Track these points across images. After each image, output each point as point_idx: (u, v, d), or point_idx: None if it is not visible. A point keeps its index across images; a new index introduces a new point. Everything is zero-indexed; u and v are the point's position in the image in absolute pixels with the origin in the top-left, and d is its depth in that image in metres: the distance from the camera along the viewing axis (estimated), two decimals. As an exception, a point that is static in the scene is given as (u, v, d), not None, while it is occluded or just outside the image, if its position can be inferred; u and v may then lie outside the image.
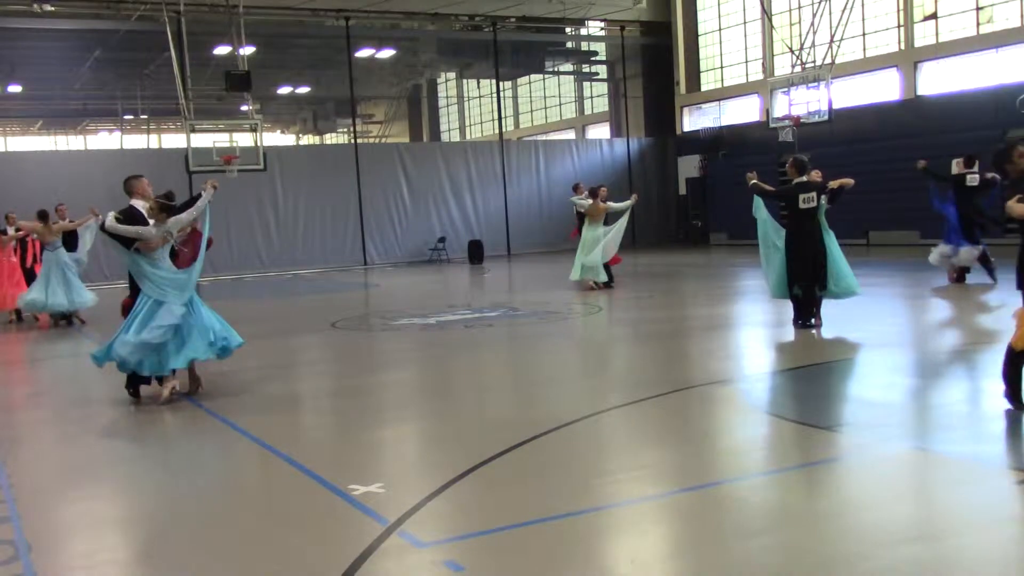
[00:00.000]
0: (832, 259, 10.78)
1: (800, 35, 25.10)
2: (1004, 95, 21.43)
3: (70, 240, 15.51)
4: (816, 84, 22.88)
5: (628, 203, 17.04)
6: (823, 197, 10.65)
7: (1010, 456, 5.66)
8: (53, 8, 24.59)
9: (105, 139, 46.43)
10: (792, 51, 24.48)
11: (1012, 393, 6.26)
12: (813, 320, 10.70)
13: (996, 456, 5.52)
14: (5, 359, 12.58)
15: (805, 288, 10.65)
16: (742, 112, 29.65)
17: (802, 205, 10.46)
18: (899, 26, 24.82)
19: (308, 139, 48.54)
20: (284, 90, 39.00)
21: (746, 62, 29.81)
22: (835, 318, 10.88)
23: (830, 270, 10.71)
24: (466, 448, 6.15)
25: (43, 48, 30.00)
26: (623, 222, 16.79)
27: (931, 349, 9.64)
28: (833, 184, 10.82)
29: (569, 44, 35.48)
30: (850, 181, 10.98)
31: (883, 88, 25.18)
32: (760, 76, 28.65)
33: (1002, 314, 11.23)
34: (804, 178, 10.61)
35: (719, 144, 29.84)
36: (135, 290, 8.41)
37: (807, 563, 4.03)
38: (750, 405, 7.35)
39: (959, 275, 14.02)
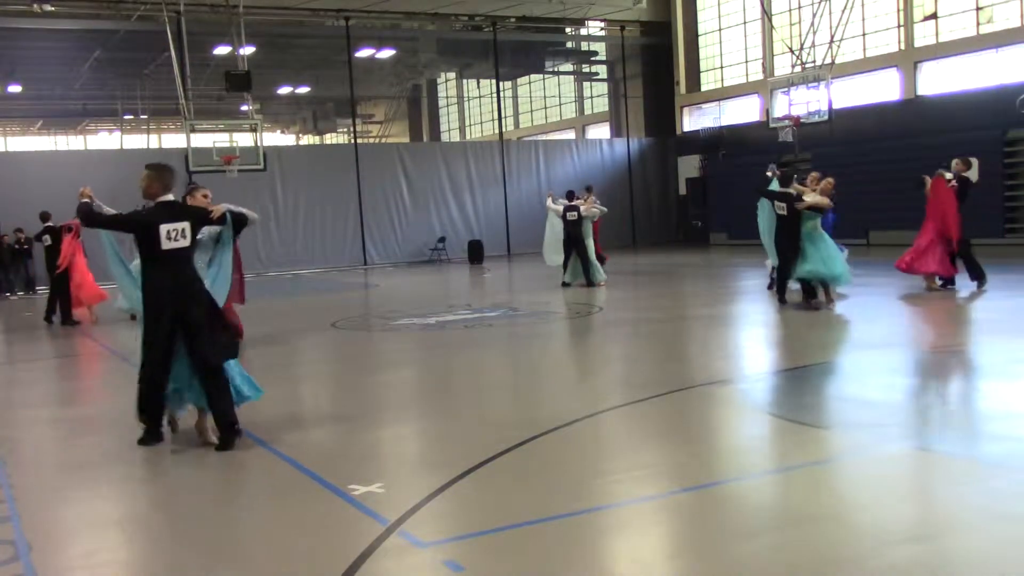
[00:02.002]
0: (823, 246, 12.08)
1: (800, 35, 25.11)
2: (1004, 95, 21.43)
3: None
4: (816, 84, 22.90)
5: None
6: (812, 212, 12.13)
7: (1010, 456, 5.65)
8: (53, 8, 24.59)
9: (105, 139, 46.43)
10: (792, 51, 24.49)
11: None
12: (813, 300, 12.16)
13: (996, 456, 5.52)
14: (8, 359, 12.58)
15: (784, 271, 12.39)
16: (742, 112, 29.65)
17: (776, 211, 12.31)
18: (899, 26, 24.83)
19: (308, 139, 48.55)
20: (284, 90, 39.01)
21: (746, 62, 29.82)
22: (835, 318, 10.89)
23: (818, 254, 12.01)
24: (466, 448, 6.15)
25: (43, 48, 29.99)
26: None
27: (930, 349, 9.63)
28: (802, 205, 12.03)
29: (569, 44, 35.49)
30: (823, 201, 12.06)
31: (883, 88, 25.18)
32: (760, 76, 28.66)
33: (999, 315, 11.23)
34: (790, 189, 12.31)
35: (719, 144, 29.84)
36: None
37: (807, 563, 4.03)
38: (750, 405, 7.34)
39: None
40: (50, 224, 16.26)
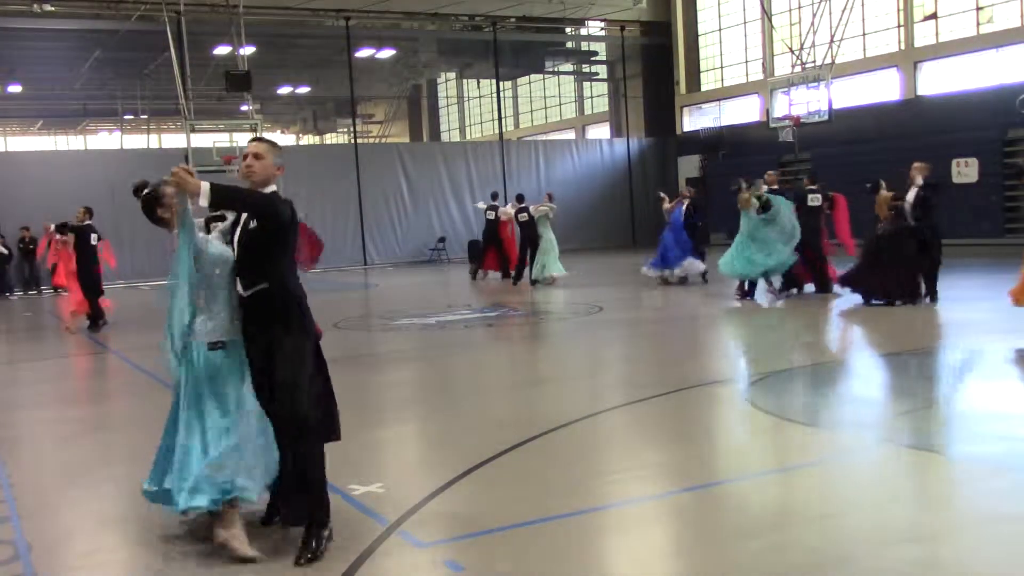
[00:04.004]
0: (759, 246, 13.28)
1: (800, 35, 25.11)
2: (1004, 95, 21.43)
3: None
4: (816, 84, 22.89)
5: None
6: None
7: (1010, 456, 5.65)
8: (53, 8, 24.60)
9: (105, 139, 46.40)
10: (792, 51, 24.49)
11: None
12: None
13: (996, 456, 5.52)
14: (13, 358, 12.58)
15: None
16: (742, 112, 29.65)
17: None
18: (899, 26, 24.82)
19: (308, 139, 48.54)
20: (284, 90, 39.00)
21: (746, 62, 29.82)
22: (835, 317, 10.89)
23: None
24: (466, 448, 6.14)
25: (43, 48, 30.00)
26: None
27: (930, 349, 9.63)
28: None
29: (569, 44, 35.49)
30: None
31: (883, 88, 25.18)
32: (760, 76, 28.65)
33: (991, 316, 11.22)
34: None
35: (719, 144, 29.83)
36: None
37: (807, 563, 4.03)
38: (750, 405, 7.34)
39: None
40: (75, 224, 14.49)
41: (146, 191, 4.60)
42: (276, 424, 4.42)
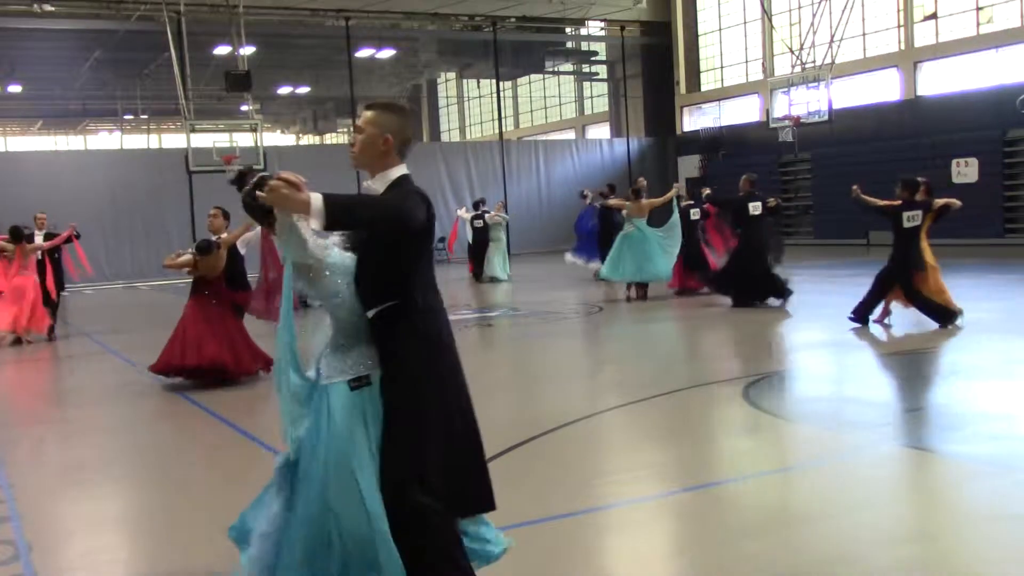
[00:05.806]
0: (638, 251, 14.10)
1: (800, 35, 25.11)
2: (1004, 95, 21.42)
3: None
4: (816, 84, 22.90)
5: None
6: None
7: (1010, 456, 5.65)
8: (53, 8, 24.58)
9: (105, 139, 46.41)
10: (792, 51, 24.49)
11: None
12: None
13: (996, 456, 5.52)
14: (9, 359, 12.57)
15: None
16: (742, 112, 29.64)
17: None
18: (899, 26, 24.82)
19: (308, 139, 48.53)
20: (284, 90, 38.99)
21: (746, 62, 29.81)
22: (834, 318, 10.88)
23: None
24: (466, 448, 6.14)
25: (43, 48, 29.99)
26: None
27: (930, 349, 9.63)
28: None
29: (569, 44, 35.48)
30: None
31: (883, 88, 25.17)
32: (760, 76, 28.65)
33: (989, 316, 11.22)
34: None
35: (719, 144, 29.83)
36: None
37: (807, 563, 4.03)
38: (750, 405, 7.34)
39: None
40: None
41: (251, 185, 3.53)
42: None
